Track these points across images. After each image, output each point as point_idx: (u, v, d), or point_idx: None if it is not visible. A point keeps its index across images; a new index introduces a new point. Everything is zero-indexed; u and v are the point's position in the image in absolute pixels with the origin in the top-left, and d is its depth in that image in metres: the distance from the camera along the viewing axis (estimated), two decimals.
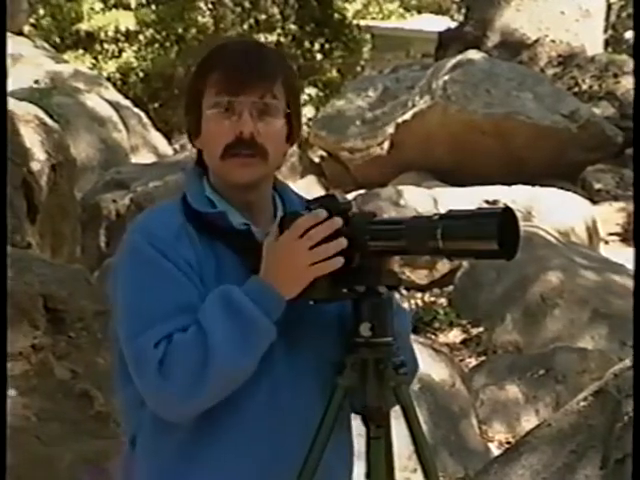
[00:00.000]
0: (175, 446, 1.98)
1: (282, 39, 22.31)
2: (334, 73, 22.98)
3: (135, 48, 20.71)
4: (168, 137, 14.99)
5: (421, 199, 9.77)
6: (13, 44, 12.15)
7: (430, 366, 5.86)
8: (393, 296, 2.02)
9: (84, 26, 20.40)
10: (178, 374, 1.87)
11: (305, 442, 1.93)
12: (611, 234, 10.81)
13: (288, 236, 1.90)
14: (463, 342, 7.91)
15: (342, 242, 1.90)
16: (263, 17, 22.60)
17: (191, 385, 1.87)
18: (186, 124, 2.11)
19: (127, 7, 20.84)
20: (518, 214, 1.87)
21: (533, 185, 10.28)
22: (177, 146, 14.39)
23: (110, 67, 20.28)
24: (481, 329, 7.93)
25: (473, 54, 12.79)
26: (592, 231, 10.01)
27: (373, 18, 24.92)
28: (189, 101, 2.08)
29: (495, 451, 5.88)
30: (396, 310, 2.06)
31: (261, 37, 21.96)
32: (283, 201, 2.13)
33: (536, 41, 14.71)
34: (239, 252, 2.00)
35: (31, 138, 7.05)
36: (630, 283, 7.59)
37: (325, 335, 2.01)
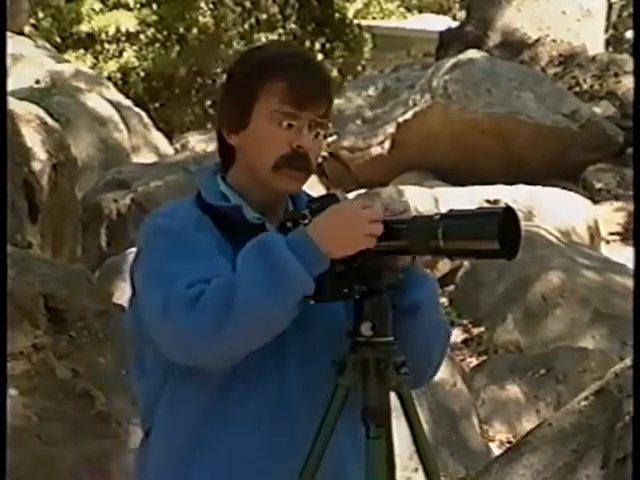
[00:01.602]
0: (189, 432, 2.00)
1: (283, 39, 22.30)
2: (335, 73, 22.99)
3: (136, 48, 20.71)
4: (169, 137, 14.98)
5: (422, 199, 9.76)
6: (14, 44, 12.16)
7: None
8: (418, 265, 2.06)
9: (84, 27, 20.39)
10: (207, 307, 1.86)
11: (313, 428, 1.95)
12: (612, 234, 10.80)
13: (355, 204, 1.96)
14: (464, 342, 7.91)
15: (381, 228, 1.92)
16: (264, 17, 22.61)
17: (217, 320, 1.85)
18: (223, 118, 2.11)
19: (127, 7, 20.83)
20: (519, 214, 1.87)
21: (534, 185, 10.27)
22: (178, 146, 14.38)
23: (111, 67, 20.27)
24: (482, 329, 7.92)
25: (474, 54, 12.78)
26: (593, 231, 10.00)
27: (374, 18, 24.91)
28: (235, 96, 2.08)
29: (496, 451, 5.88)
30: (421, 280, 2.07)
31: (262, 37, 21.98)
32: (293, 201, 2.15)
33: (537, 41, 14.70)
34: None
35: (32, 138, 7.05)
36: (631, 283, 7.59)
37: (336, 331, 2.01)
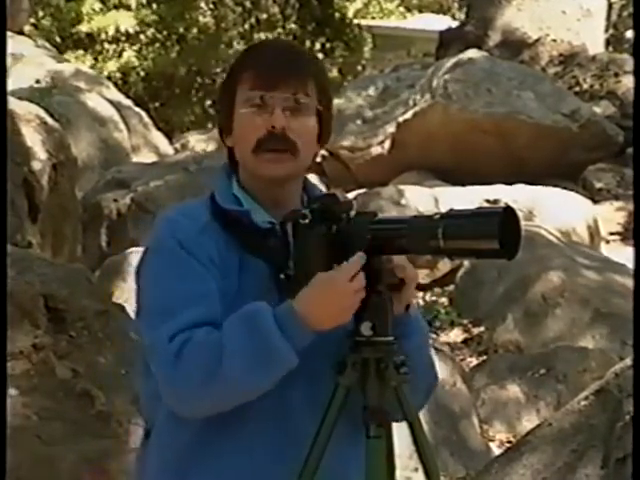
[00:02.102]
0: (187, 437, 2.01)
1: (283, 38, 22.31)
2: (335, 72, 22.98)
3: (136, 48, 20.71)
4: (169, 137, 14.98)
5: (422, 198, 9.76)
6: (14, 43, 12.16)
7: None
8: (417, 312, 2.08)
9: (84, 27, 20.39)
10: (188, 375, 1.91)
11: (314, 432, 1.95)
12: (612, 233, 10.81)
13: (343, 275, 1.91)
14: (464, 341, 7.91)
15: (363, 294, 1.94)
16: (264, 16, 22.62)
17: (196, 389, 1.91)
18: (218, 122, 2.15)
19: (127, 7, 20.83)
20: (519, 213, 1.87)
21: (534, 185, 10.28)
22: (178, 145, 14.38)
23: (111, 67, 20.27)
24: (482, 328, 7.93)
25: (474, 53, 12.78)
26: (593, 230, 10.01)
27: (374, 17, 24.91)
28: (222, 99, 2.11)
29: (496, 450, 5.88)
30: (415, 328, 2.08)
31: (262, 36, 21.98)
32: (308, 195, 2.14)
33: (537, 40, 14.70)
34: (260, 251, 2.01)
35: (32, 137, 7.05)
36: (631, 283, 7.59)
37: (337, 335, 2.00)
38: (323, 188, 2.27)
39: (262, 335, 1.89)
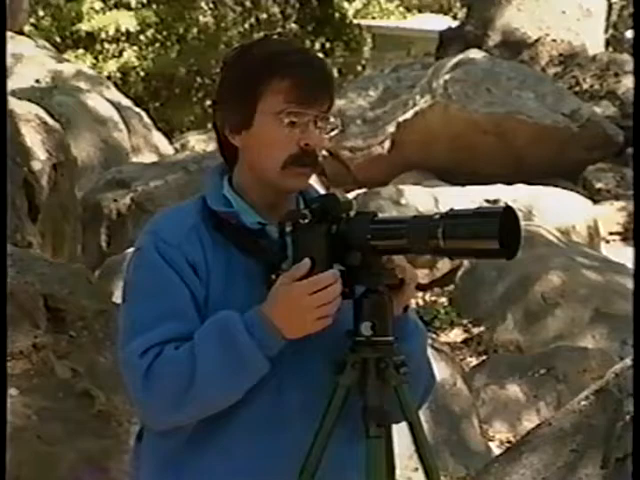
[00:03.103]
0: (179, 440, 2.00)
1: None
2: (335, 72, 22.97)
3: (136, 48, 20.71)
4: (169, 136, 14.99)
5: (422, 198, 9.76)
6: (14, 43, 12.16)
7: None
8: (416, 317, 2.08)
9: (84, 26, 20.40)
10: (160, 390, 1.92)
11: (305, 442, 1.94)
12: (612, 233, 10.81)
13: (304, 288, 1.90)
14: (464, 341, 7.91)
15: (338, 303, 1.92)
16: (264, 16, 22.61)
17: (170, 404, 1.92)
18: (222, 116, 2.07)
19: (127, 7, 20.84)
20: (519, 213, 1.87)
21: (534, 184, 10.28)
22: (178, 145, 14.39)
23: (111, 67, 20.27)
24: (482, 328, 7.92)
25: (474, 53, 12.79)
26: (593, 230, 10.01)
27: (373, 17, 24.92)
28: (237, 96, 2.03)
29: (496, 450, 5.88)
30: (413, 330, 2.08)
31: (261, 36, 21.96)
32: (304, 198, 2.14)
33: (537, 40, 14.70)
34: (250, 252, 2.01)
35: (32, 137, 7.05)
36: (631, 283, 7.59)
37: (331, 334, 2.00)
38: (319, 188, 2.25)
39: (233, 344, 1.90)
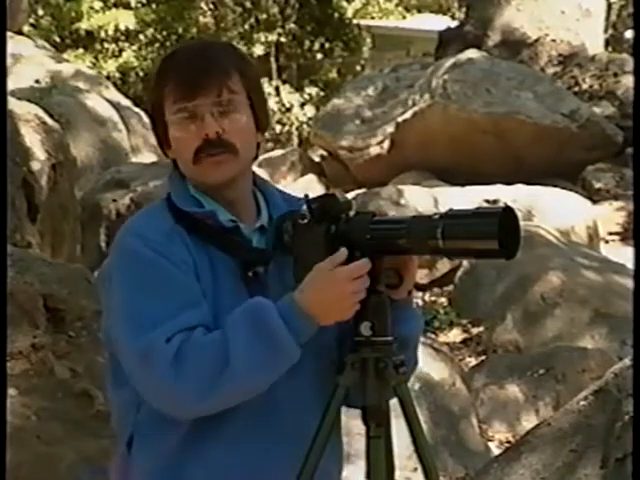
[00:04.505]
0: (174, 443, 1.99)
1: (282, 39, 22.32)
2: (334, 72, 22.99)
3: (135, 47, 20.72)
4: None
5: (421, 198, 9.77)
6: (13, 43, 12.16)
7: (430, 365, 5.86)
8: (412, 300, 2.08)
9: (84, 25, 20.41)
10: (192, 374, 1.87)
11: (299, 443, 1.95)
12: (611, 233, 10.81)
13: (347, 273, 1.91)
14: (463, 341, 7.92)
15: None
16: (264, 17, 22.61)
17: (203, 388, 1.88)
18: (156, 138, 2.12)
19: (127, 6, 20.85)
20: (518, 213, 1.87)
21: (533, 184, 10.28)
22: None
23: (110, 66, 20.28)
24: (481, 328, 7.93)
25: (473, 53, 12.80)
26: (592, 230, 10.01)
27: (373, 17, 24.93)
28: (153, 116, 2.09)
29: (495, 450, 5.88)
30: (411, 314, 2.09)
31: (261, 36, 21.98)
32: (265, 197, 2.14)
33: (536, 40, 14.71)
34: (229, 250, 2.01)
35: (31, 137, 7.05)
36: (631, 283, 7.59)
37: (322, 337, 2.00)
38: (272, 182, 2.25)
39: (268, 330, 1.88)
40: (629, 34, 18.19)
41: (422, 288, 8.83)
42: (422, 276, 8.86)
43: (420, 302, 8.54)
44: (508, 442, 6.01)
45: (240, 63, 2.07)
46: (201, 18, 22.44)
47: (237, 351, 1.87)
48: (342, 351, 2.04)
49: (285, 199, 2.15)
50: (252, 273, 1.99)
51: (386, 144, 12.51)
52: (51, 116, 8.06)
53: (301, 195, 2.07)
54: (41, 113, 7.60)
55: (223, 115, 2.00)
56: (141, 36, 20.86)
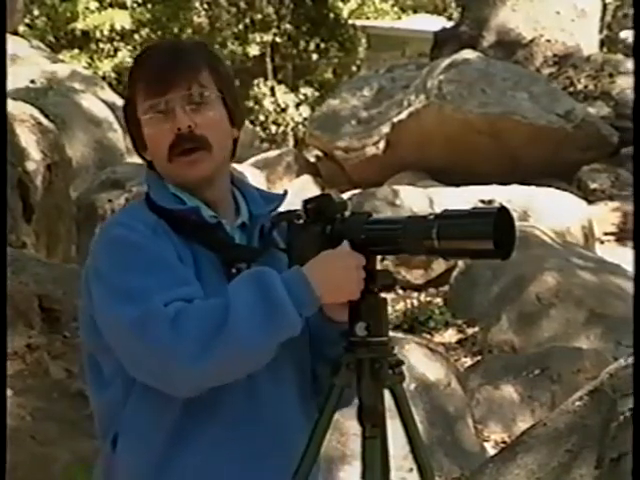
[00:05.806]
0: (159, 441, 1.98)
1: (278, 39, 22.32)
2: (330, 73, 22.99)
3: (130, 47, 20.70)
4: None
5: (417, 199, 9.77)
6: (9, 44, 12.14)
7: (426, 366, 5.86)
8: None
9: (79, 25, 20.39)
10: (192, 329, 1.84)
11: (281, 445, 1.97)
12: (606, 234, 10.82)
13: (344, 249, 1.93)
14: (459, 342, 7.92)
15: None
16: (259, 17, 22.61)
17: (202, 345, 1.83)
18: (131, 140, 2.11)
19: (123, 6, 20.84)
20: (514, 214, 1.87)
21: (529, 185, 10.29)
22: None
23: (106, 66, 20.26)
24: (477, 329, 7.93)
25: (468, 54, 12.81)
26: (588, 231, 10.02)
27: (368, 18, 24.93)
28: (127, 116, 2.09)
29: (491, 451, 5.88)
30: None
31: (256, 37, 21.97)
32: (243, 195, 2.13)
33: (532, 41, 14.72)
34: (214, 247, 2.01)
35: (27, 138, 7.05)
36: (626, 283, 7.60)
37: (302, 343, 2.02)
38: (251, 181, 2.25)
39: (269, 294, 1.87)
40: (624, 35, 18.20)
41: (417, 288, 8.83)
42: (417, 276, 8.86)
43: (415, 302, 8.53)
44: (504, 442, 6.01)
45: (210, 59, 2.07)
46: (196, 18, 22.43)
47: (237, 311, 1.84)
48: (316, 365, 2.07)
49: (263, 196, 2.15)
50: (235, 270, 1.99)
51: (381, 144, 12.51)
52: (46, 116, 8.06)
53: (292, 195, 2.07)
54: (36, 113, 7.60)
55: (195, 111, 2.00)
56: (136, 36, 20.84)
